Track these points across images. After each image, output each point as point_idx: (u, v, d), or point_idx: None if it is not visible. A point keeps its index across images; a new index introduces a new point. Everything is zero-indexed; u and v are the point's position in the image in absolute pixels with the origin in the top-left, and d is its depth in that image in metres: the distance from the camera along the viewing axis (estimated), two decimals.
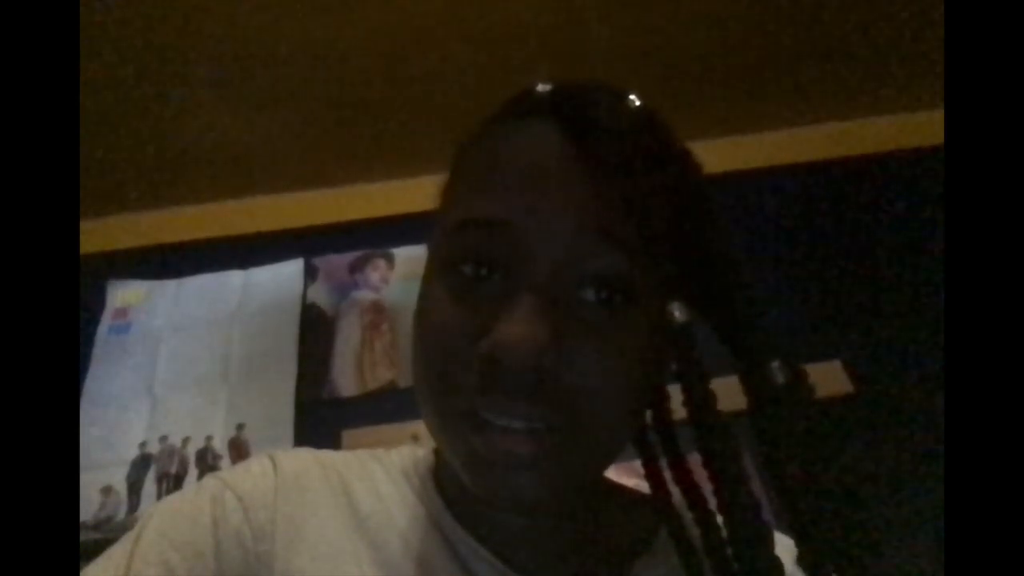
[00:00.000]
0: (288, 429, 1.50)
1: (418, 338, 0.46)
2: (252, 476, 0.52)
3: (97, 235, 1.76)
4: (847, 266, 1.67)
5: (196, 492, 0.51)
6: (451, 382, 0.43)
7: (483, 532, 0.50)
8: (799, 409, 0.43)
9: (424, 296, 0.47)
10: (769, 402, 0.44)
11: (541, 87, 0.48)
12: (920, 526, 1.29)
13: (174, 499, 0.52)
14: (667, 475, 0.54)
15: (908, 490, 1.33)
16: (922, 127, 1.80)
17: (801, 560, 0.43)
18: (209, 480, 0.52)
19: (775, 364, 0.44)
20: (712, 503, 0.49)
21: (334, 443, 1.43)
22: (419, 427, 1.47)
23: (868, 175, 1.80)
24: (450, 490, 0.53)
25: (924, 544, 1.27)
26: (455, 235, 0.45)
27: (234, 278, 1.74)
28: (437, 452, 0.56)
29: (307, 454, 0.56)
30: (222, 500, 0.49)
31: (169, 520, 0.48)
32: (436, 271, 0.46)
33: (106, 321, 1.68)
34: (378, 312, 1.69)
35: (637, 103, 0.47)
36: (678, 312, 0.42)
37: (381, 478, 0.54)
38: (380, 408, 1.51)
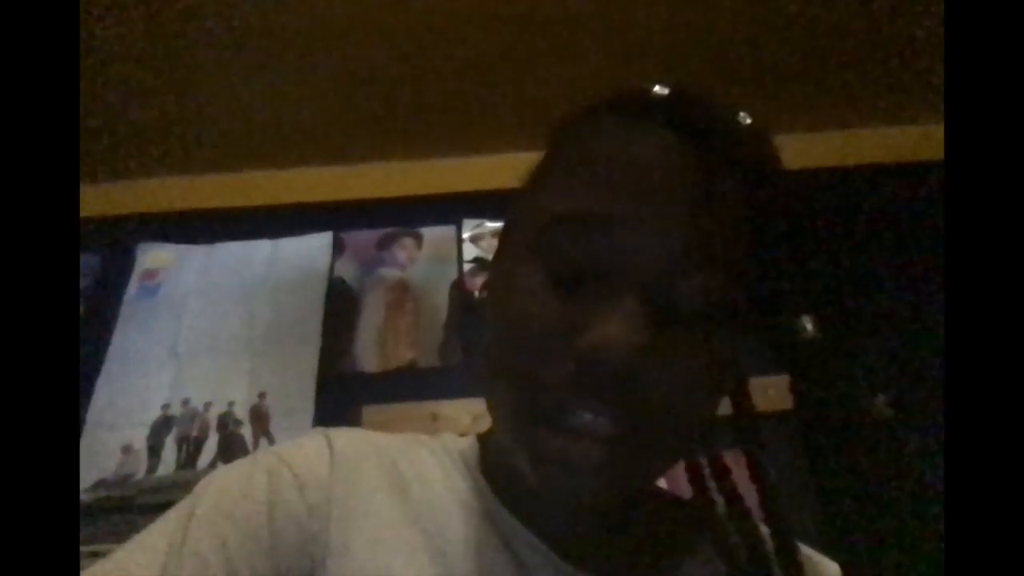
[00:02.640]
0: (309, 401, 1.51)
1: (505, 325, 0.45)
2: (307, 454, 0.51)
3: (128, 198, 1.78)
4: (848, 273, 1.65)
5: (252, 466, 0.50)
6: (538, 376, 0.43)
7: (533, 520, 0.50)
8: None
9: (509, 280, 0.46)
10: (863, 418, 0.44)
11: (658, 90, 0.47)
12: (921, 525, 1.28)
13: (230, 472, 0.51)
14: (709, 479, 0.54)
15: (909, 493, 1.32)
16: (922, 141, 1.78)
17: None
18: (265, 455, 0.51)
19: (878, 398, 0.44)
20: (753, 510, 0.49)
21: (354, 418, 1.44)
22: (438, 407, 1.47)
23: (867, 186, 1.78)
24: (499, 478, 0.52)
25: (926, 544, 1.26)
26: (558, 224, 0.44)
27: (262, 248, 1.75)
28: (481, 439, 0.56)
29: (360, 435, 0.55)
30: (278, 476, 0.49)
31: (225, 494, 0.48)
32: (525, 255, 0.45)
33: (135, 283, 1.70)
34: (403, 290, 1.69)
35: (749, 120, 0.46)
36: (810, 325, 0.43)
37: (430, 463, 0.53)
38: (400, 386, 1.51)
